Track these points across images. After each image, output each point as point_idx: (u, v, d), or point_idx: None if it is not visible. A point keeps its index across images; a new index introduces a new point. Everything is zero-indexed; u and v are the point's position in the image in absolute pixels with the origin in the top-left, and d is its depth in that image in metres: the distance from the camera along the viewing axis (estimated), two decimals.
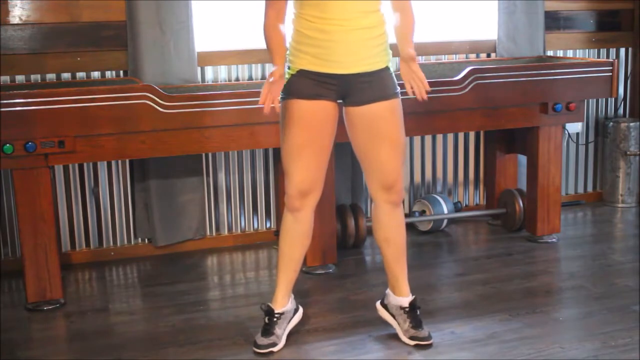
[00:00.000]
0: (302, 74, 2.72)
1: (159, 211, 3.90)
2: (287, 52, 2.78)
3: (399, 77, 2.82)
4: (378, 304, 3.04)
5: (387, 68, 2.76)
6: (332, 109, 2.76)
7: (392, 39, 2.79)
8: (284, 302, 2.91)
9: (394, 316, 2.95)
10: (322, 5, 2.63)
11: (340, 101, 2.78)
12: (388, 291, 2.98)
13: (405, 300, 2.92)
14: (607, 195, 4.78)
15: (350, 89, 2.72)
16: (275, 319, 2.88)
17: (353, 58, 2.68)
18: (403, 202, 2.94)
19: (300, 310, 3.01)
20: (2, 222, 3.77)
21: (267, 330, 2.86)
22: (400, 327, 2.92)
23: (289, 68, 2.77)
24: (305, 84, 2.72)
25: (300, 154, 2.76)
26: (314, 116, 2.74)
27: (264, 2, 2.75)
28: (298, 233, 2.87)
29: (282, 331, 2.89)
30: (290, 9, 2.76)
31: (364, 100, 2.73)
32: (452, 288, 3.50)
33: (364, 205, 4.26)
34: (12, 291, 3.59)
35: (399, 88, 2.80)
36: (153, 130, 3.32)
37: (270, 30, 2.74)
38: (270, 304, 2.90)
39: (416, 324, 2.89)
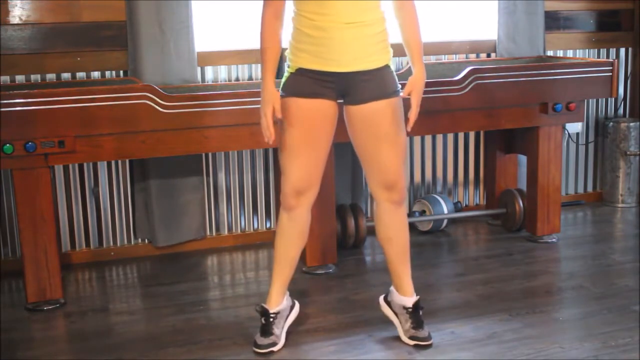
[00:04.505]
0: (301, 72, 2.71)
1: (159, 211, 3.90)
2: (287, 51, 2.77)
3: (399, 76, 2.81)
4: (381, 299, 3.02)
5: (387, 66, 2.74)
6: (330, 107, 2.75)
7: (393, 38, 2.78)
8: (278, 301, 2.90)
9: (396, 314, 2.95)
10: (321, 3, 2.61)
11: (341, 100, 2.77)
12: (392, 289, 2.96)
13: (409, 300, 2.91)
14: (607, 195, 4.78)
15: (349, 88, 2.71)
16: (271, 319, 2.87)
17: (351, 56, 2.66)
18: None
19: (297, 306, 3.00)
20: (2, 222, 3.77)
21: (266, 331, 2.86)
22: (401, 326, 2.92)
23: (288, 66, 2.76)
24: (304, 83, 2.71)
25: (297, 152, 2.75)
26: (312, 115, 2.73)
27: (263, 1, 2.73)
28: (293, 232, 2.86)
29: (281, 330, 2.89)
30: (291, 7, 2.74)
31: (364, 98, 2.71)
32: (452, 288, 3.50)
33: (364, 205, 4.27)
34: (12, 291, 3.59)
35: (399, 86, 2.78)
36: (153, 130, 3.32)
37: (268, 37, 2.71)
38: (264, 304, 2.89)
39: (417, 324, 2.88)
